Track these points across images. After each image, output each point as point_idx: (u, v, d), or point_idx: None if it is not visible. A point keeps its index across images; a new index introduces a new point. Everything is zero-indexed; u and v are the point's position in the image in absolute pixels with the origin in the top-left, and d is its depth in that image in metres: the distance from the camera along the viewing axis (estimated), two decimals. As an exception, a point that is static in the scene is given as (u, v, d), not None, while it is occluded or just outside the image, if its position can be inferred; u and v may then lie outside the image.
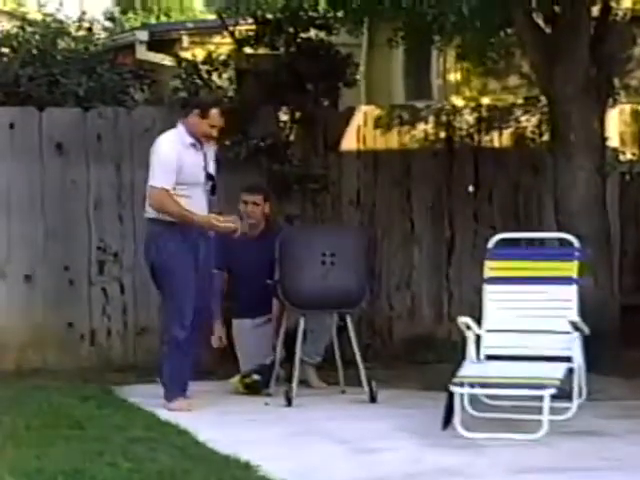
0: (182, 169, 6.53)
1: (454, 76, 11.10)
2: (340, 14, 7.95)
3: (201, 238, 6.61)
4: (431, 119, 8.77)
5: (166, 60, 10.61)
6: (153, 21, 21.01)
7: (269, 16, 8.47)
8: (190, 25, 12.33)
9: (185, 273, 6.54)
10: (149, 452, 5.38)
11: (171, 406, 6.53)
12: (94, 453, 5.34)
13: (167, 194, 6.51)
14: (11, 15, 9.50)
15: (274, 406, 6.75)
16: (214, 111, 6.62)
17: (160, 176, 6.52)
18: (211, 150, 6.73)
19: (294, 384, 6.81)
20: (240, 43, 8.59)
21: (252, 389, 7.07)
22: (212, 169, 6.70)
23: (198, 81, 8.34)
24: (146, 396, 6.84)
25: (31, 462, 5.17)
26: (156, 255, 6.58)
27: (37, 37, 8.79)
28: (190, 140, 6.60)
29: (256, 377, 7.11)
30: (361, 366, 6.90)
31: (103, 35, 10.39)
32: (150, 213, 6.64)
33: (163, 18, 21.77)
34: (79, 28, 9.18)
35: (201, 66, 8.47)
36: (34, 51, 8.60)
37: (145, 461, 5.21)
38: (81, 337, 8.13)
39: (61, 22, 9.12)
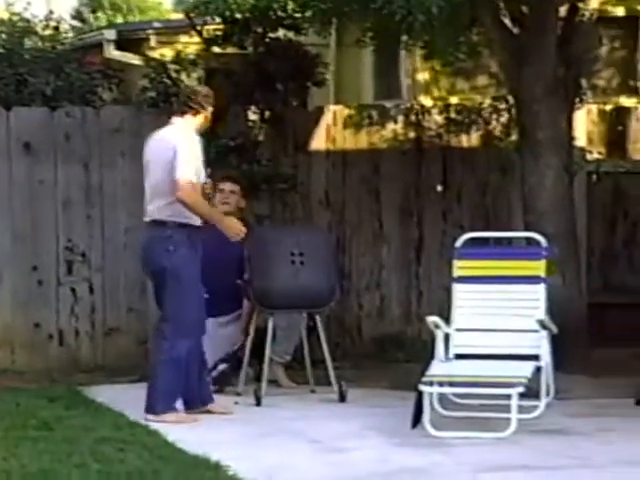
0: (196, 165, 6.27)
1: (423, 76, 11.12)
2: (309, 14, 7.95)
3: (199, 242, 6.34)
4: (400, 119, 8.80)
5: (134, 59, 10.59)
6: (120, 20, 20.96)
7: (237, 16, 8.46)
8: (158, 24, 12.30)
9: (197, 281, 6.29)
10: (118, 453, 5.37)
11: (163, 417, 6.17)
12: (63, 454, 5.32)
13: (194, 186, 6.18)
14: (-23, 14, 9.44)
15: (243, 406, 6.75)
16: (211, 99, 6.53)
17: (188, 169, 6.15)
18: None
19: (263, 383, 6.81)
20: (208, 43, 8.58)
21: (219, 381, 7.05)
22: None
23: (167, 81, 8.32)
24: (114, 397, 6.82)
25: (-1, 463, 5.14)
26: (168, 261, 6.19)
27: (3, 36, 8.74)
28: (197, 137, 6.39)
29: (221, 367, 7.09)
30: (330, 365, 6.91)
31: (70, 34, 10.34)
32: (156, 215, 6.26)
33: (130, 17, 21.72)
34: (46, 27, 9.13)
35: (170, 65, 8.45)
36: (0, 50, 8.55)
37: (114, 462, 5.20)
38: (49, 337, 8.09)
39: (28, 21, 9.06)
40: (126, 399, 6.75)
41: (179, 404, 6.30)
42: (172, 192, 6.17)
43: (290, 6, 8.20)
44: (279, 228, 7.93)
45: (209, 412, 6.37)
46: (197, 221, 6.29)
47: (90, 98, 8.54)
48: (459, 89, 10.93)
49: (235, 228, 6.35)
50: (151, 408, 6.23)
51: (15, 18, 9.08)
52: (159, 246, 6.24)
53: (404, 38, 8.21)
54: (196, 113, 6.40)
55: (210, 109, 6.45)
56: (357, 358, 8.24)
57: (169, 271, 6.22)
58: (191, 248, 6.25)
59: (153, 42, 11.46)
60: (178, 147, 6.21)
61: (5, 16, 9.31)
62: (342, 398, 6.87)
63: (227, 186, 7.53)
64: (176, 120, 6.43)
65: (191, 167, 6.19)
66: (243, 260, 7.06)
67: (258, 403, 6.74)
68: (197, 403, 6.37)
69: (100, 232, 8.13)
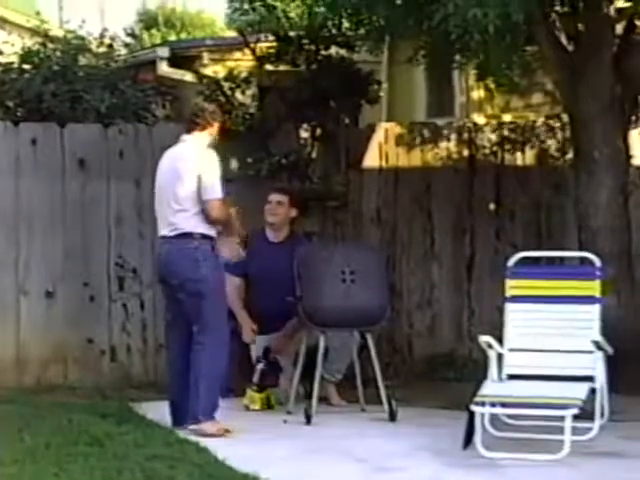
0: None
1: (476, 93, 11.07)
2: (362, 32, 7.94)
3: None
4: (453, 136, 8.76)
5: (187, 77, 10.64)
6: (174, 37, 21.10)
7: (290, 33, 8.48)
8: (210, 42, 12.36)
9: (224, 290, 6.50)
10: (168, 470, 5.36)
11: (203, 427, 6.24)
12: (113, 470, 5.32)
13: (222, 203, 6.42)
14: (33, 32, 9.51)
15: (293, 424, 6.73)
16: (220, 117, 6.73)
17: (217, 188, 6.38)
18: None
19: (314, 401, 6.78)
20: (261, 60, 8.60)
21: (261, 381, 7.10)
22: None
23: (221, 98, 8.34)
24: (165, 413, 6.81)
25: (50, 479, 5.15)
26: (198, 272, 6.31)
27: (58, 53, 8.82)
28: (210, 149, 6.58)
29: (259, 366, 7.13)
30: (381, 384, 6.87)
31: (124, 51, 10.42)
32: (180, 227, 6.38)
33: (183, 35, 21.86)
34: (100, 44, 9.21)
35: (223, 83, 8.48)
36: (55, 67, 8.63)
37: (164, 479, 5.19)
38: (101, 353, 8.13)
39: (83, 38, 9.14)
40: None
41: (218, 415, 6.34)
42: (194, 205, 6.34)
43: (344, 24, 8.19)
44: (330, 246, 7.90)
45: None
46: (214, 232, 6.45)
47: (143, 115, 8.60)
48: (513, 107, 10.86)
49: (232, 251, 6.60)
50: (196, 417, 6.28)
51: (70, 35, 9.16)
52: (188, 257, 6.34)
53: (457, 57, 8.18)
54: (203, 129, 6.53)
55: (217, 125, 6.57)
56: (408, 377, 8.19)
57: (202, 282, 6.31)
58: (216, 258, 6.40)
59: (206, 59, 11.52)
60: (200, 164, 6.37)
61: (60, 33, 9.40)
62: (392, 417, 6.82)
63: (274, 197, 7.55)
64: (186, 137, 6.56)
65: (218, 185, 6.37)
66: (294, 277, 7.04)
67: (308, 421, 6.71)
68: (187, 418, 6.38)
69: (151, 249, 8.15)
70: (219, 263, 6.43)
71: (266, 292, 7.34)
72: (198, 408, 6.28)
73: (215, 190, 6.36)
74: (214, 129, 6.57)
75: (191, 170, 6.37)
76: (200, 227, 6.37)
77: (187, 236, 6.36)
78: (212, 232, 6.42)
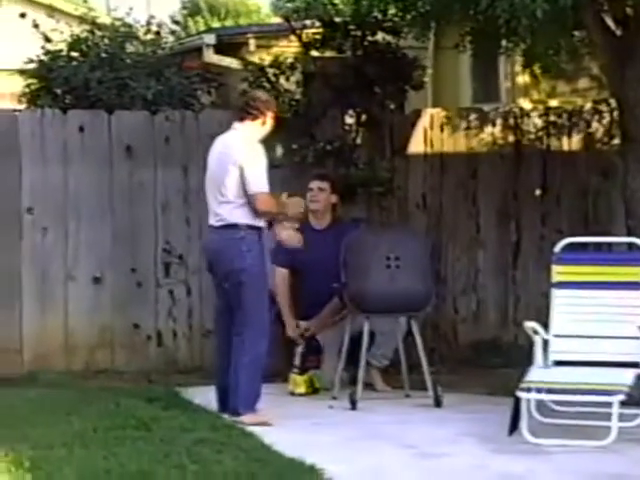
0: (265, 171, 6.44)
1: (522, 79, 11.00)
2: (409, 18, 7.91)
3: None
4: (499, 122, 8.72)
5: (233, 63, 10.66)
6: (219, 24, 21.15)
7: (337, 19, 8.47)
8: (256, 29, 12.37)
9: (267, 280, 6.49)
10: (214, 454, 5.41)
11: (249, 419, 6.22)
12: (160, 454, 5.37)
13: (268, 196, 6.38)
14: (81, 19, 9.58)
15: (338, 409, 6.75)
16: (273, 106, 6.65)
17: (262, 180, 6.33)
18: None
19: (359, 387, 6.80)
20: (307, 46, 8.60)
21: (302, 364, 7.22)
22: None
23: (266, 84, 8.36)
24: (211, 398, 6.86)
25: (99, 463, 5.22)
26: (244, 262, 6.28)
27: (105, 41, 8.88)
28: (257, 139, 6.53)
29: (299, 349, 7.23)
30: (426, 370, 6.87)
31: (170, 39, 10.46)
32: (227, 218, 6.36)
33: (229, 22, 21.91)
34: (147, 32, 9.25)
35: (268, 69, 8.50)
36: (103, 55, 8.69)
37: (211, 463, 5.24)
38: (147, 338, 8.19)
39: (130, 26, 9.20)
40: (223, 401, 6.78)
41: (260, 404, 6.33)
42: (238, 197, 6.30)
43: (391, 10, 8.17)
44: (375, 231, 7.91)
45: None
46: (262, 222, 6.42)
47: (189, 102, 8.64)
48: (559, 92, 10.79)
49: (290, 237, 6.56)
50: (236, 410, 6.27)
51: (117, 23, 9.22)
52: (233, 248, 6.32)
53: (504, 42, 8.13)
54: (254, 118, 6.44)
55: (270, 114, 6.48)
56: (453, 363, 8.18)
57: (246, 271, 6.29)
58: (262, 249, 6.37)
59: (252, 46, 11.53)
60: (245, 157, 6.32)
61: (107, 21, 9.47)
62: (438, 403, 6.83)
63: (315, 184, 7.57)
64: (237, 125, 6.53)
65: (264, 178, 6.32)
66: (339, 263, 7.06)
67: (353, 407, 6.73)
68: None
69: (197, 235, 8.20)
70: (264, 255, 6.39)
71: (311, 279, 7.38)
72: (237, 400, 6.28)
73: (260, 183, 6.30)
74: (267, 119, 6.48)
75: (234, 162, 6.34)
76: (246, 218, 6.33)
77: (233, 227, 6.34)
78: (259, 223, 6.37)
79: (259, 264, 6.35)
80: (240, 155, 6.34)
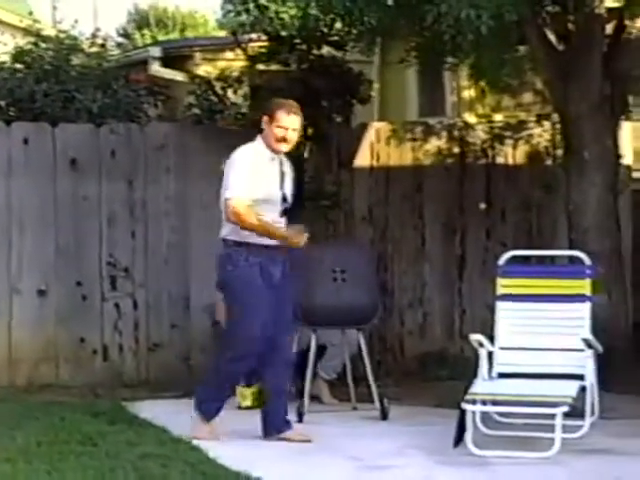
0: (259, 185, 5.95)
1: (467, 93, 11.11)
2: (355, 32, 7.96)
3: (273, 262, 6.03)
4: (444, 135, 8.79)
5: (179, 76, 10.66)
6: (167, 37, 21.10)
7: (282, 33, 8.50)
8: (203, 42, 12.37)
9: (251, 301, 5.96)
10: (161, 468, 5.37)
11: (195, 433, 6.11)
12: (106, 469, 5.33)
13: (245, 204, 5.89)
14: (26, 31, 9.52)
15: (286, 422, 6.74)
16: (280, 111, 6.01)
17: (235, 186, 5.90)
18: (289, 168, 6.18)
19: (306, 400, 6.81)
20: (253, 60, 8.62)
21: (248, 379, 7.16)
22: (288, 189, 6.11)
23: (212, 97, 8.36)
24: (158, 412, 6.84)
25: (42, 478, 5.17)
26: (226, 278, 6.02)
27: (50, 53, 8.83)
28: (269, 154, 6.04)
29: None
30: (373, 383, 6.89)
31: (117, 51, 10.42)
32: (221, 233, 6.04)
33: (176, 35, 21.85)
34: (93, 44, 9.22)
35: (215, 82, 8.50)
36: (47, 67, 8.64)
37: (157, 478, 5.21)
38: (93, 352, 8.14)
39: (75, 38, 9.16)
40: (169, 415, 6.77)
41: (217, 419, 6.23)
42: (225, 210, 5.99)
43: (337, 25, 8.21)
44: (321, 245, 7.92)
45: (287, 440, 6.13)
46: (261, 240, 5.97)
47: (136, 114, 8.61)
48: (504, 106, 10.90)
49: (295, 237, 6.04)
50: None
51: (62, 35, 9.17)
52: (220, 264, 6.06)
53: (449, 57, 8.21)
54: (265, 129, 6.08)
55: (278, 121, 5.99)
56: (399, 376, 8.22)
57: (226, 288, 6.09)
58: (251, 267, 5.96)
59: (198, 59, 11.53)
60: (232, 164, 5.99)
61: (53, 33, 9.41)
62: (384, 416, 6.85)
63: None
64: (257, 137, 6.14)
65: (238, 183, 5.91)
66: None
67: (300, 420, 6.74)
68: (271, 430, 6.19)
69: (143, 248, 8.18)
70: (250, 273, 5.96)
71: None
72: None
73: (233, 189, 5.89)
74: (265, 125, 6.03)
75: (227, 174, 6.00)
76: (232, 234, 5.99)
77: (223, 242, 6.03)
78: (251, 240, 5.96)
79: (239, 283, 5.97)
80: (232, 160, 6.02)
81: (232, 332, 6.12)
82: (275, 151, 6.05)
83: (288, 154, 8.33)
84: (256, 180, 5.95)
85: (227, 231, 6.02)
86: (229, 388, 6.28)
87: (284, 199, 6.08)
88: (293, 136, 6.07)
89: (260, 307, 5.97)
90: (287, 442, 6.16)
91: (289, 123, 6.03)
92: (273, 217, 6.04)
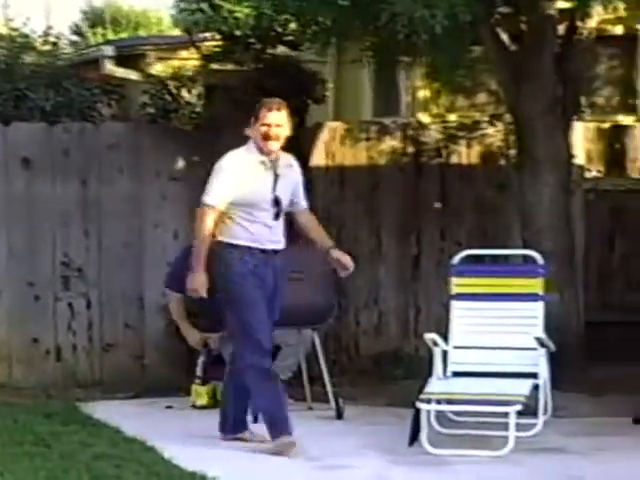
0: (248, 189, 5.85)
1: (422, 93, 11.15)
2: (309, 32, 7.96)
3: (265, 266, 5.92)
4: (398, 135, 8.81)
5: (133, 75, 10.61)
6: (121, 36, 20.97)
7: (237, 33, 8.47)
8: (157, 40, 12.32)
9: (246, 303, 5.86)
10: (114, 469, 5.35)
11: (272, 448, 5.84)
12: (59, 470, 5.30)
13: (209, 213, 5.81)
14: (-24, 30, 9.44)
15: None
16: (262, 109, 5.92)
17: (210, 193, 5.83)
18: (291, 170, 6.06)
19: (261, 400, 6.79)
20: (207, 59, 8.59)
21: (204, 374, 7.17)
22: (283, 192, 5.97)
23: (167, 97, 8.33)
24: (112, 412, 6.81)
25: (-5, 480, 5.13)
26: (218, 280, 5.89)
27: (2, 51, 8.75)
28: (259, 157, 5.91)
29: (200, 360, 7.20)
30: (328, 382, 6.90)
31: (69, 50, 10.35)
32: (215, 235, 5.90)
33: (130, 33, 21.73)
34: (45, 42, 9.14)
35: (169, 82, 8.47)
36: (-1, 65, 8.57)
37: (110, 478, 5.18)
38: (46, 353, 8.08)
39: (27, 36, 9.08)
40: (123, 415, 6.74)
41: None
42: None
43: (291, 25, 8.21)
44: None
45: (243, 440, 6.08)
46: (255, 243, 5.89)
47: (89, 114, 8.56)
48: (458, 106, 10.95)
49: (195, 283, 5.88)
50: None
51: (14, 33, 9.09)
52: (213, 265, 5.91)
53: (404, 57, 8.24)
54: (253, 129, 5.96)
55: (262, 119, 5.90)
56: (354, 375, 8.22)
57: (221, 290, 5.93)
58: (244, 267, 5.85)
59: (152, 58, 11.48)
60: (216, 170, 5.90)
61: (4, 31, 9.33)
62: (339, 415, 6.86)
63: None
64: (249, 140, 6.05)
65: (213, 189, 5.83)
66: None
67: (255, 420, 6.72)
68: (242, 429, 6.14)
69: (97, 247, 8.13)
70: (243, 275, 5.85)
71: (213, 297, 7.39)
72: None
73: (208, 194, 5.84)
74: (254, 124, 5.91)
75: None
76: (226, 236, 5.88)
77: (218, 244, 5.89)
78: (242, 242, 5.86)
79: (231, 285, 5.86)
80: (217, 164, 5.96)
81: (238, 330, 5.93)
82: (266, 152, 5.92)
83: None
84: (241, 185, 5.85)
85: (217, 231, 5.89)
86: (270, 384, 5.97)
87: (276, 202, 5.94)
88: (279, 132, 5.94)
89: (258, 303, 5.89)
90: (243, 442, 6.15)
91: (271, 119, 5.92)
92: (265, 221, 5.91)
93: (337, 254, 6.13)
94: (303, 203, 6.19)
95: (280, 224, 6.03)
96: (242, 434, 6.16)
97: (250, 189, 5.88)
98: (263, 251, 5.93)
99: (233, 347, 6.11)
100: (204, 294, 5.92)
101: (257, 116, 5.96)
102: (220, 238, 5.90)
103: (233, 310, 5.94)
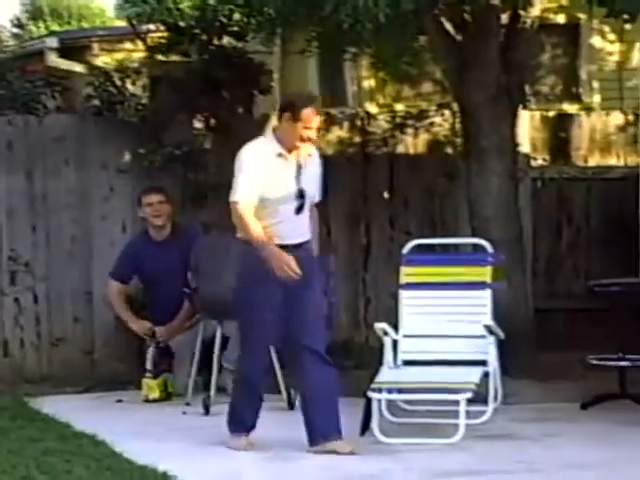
0: (268, 183, 5.62)
1: (368, 83, 11.16)
2: (254, 23, 7.94)
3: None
4: (346, 125, 8.81)
5: (77, 67, 10.52)
6: (64, 28, 20.78)
7: (181, 24, 8.43)
8: (101, 32, 12.23)
9: (262, 300, 5.63)
10: (64, 464, 5.31)
11: (229, 443, 5.78)
12: (8, 466, 5.25)
13: (243, 209, 5.59)
14: None
15: (192, 415, 6.71)
16: (307, 110, 5.61)
17: (240, 190, 5.62)
18: (311, 160, 5.77)
19: (212, 392, 6.78)
20: (152, 50, 8.54)
21: (154, 367, 7.15)
22: (307, 183, 5.72)
23: (111, 89, 8.26)
24: (61, 407, 6.76)
25: (-57, 477, 5.07)
26: (238, 278, 5.74)
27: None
28: (278, 149, 5.66)
29: (150, 353, 7.17)
30: (279, 373, 6.89)
31: (11, 42, 10.25)
32: (238, 233, 5.72)
33: (72, 25, 21.53)
34: (-14, 35, 9.05)
35: (114, 73, 8.40)
36: (-60, 58, 8.46)
37: (61, 473, 5.15)
38: (-7, 348, 8.00)
39: (-32, 29, 8.98)
40: (72, 410, 6.69)
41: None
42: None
43: (236, 16, 8.18)
44: (226, 236, 7.88)
45: (334, 452, 5.65)
46: (280, 240, 5.62)
47: (33, 106, 8.47)
48: (404, 96, 10.98)
49: (280, 261, 5.55)
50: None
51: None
52: (238, 263, 5.76)
53: (350, 47, 8.23)
54: (285, 126, 5.68)
55: (306, 121, 5.61)
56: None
57: (238, 287, 5.77)
58: (264, 265, 5.57)
59: (96, 50, 11.40)
60: (239, 165, 5.69)
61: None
62: (291, 406, 6.86)
63: (154, 198, 7.50)
64: (266, 132, 5.89)
65: (241, 186, 5.63)
66: (188, 269, 7.03)
67: (207, 412, 6.71)
68: (317, 437, 5.71)
69: (44, 242, 8.05)
70: (262, 272, 5.60)
71: (160, 289, 7.39)
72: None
73: (237, 191, 5.62)
74: (285, 120, 5.64)
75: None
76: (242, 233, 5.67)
77: (242, 242, 5.70)
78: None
79: (255, 282, 5.63)
80: (239, 160, 5.74)
81: (242, 330, 5.79)
82: (292, 149, 5.67)
83: (190, 147, 8.24)
84: (264, 179, 5.62)
85: (238, 229, 5.70)
86: (254, 393, 5.84)
87: (300, 194, 5.69)
88: (314, 136, 5.73)
89: (264, 312, 5.64)
90: (194, 434, 6.12)
91: (315, 124, 5.68)
92: (286, 215, 5.66)
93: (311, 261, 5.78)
94: (315, 197, 5.86)
95: (304, 217, 5.73)
96: (332, 443, 5.71)
97: (273, 182, 5.63)
98: (282, 246, 5.61)
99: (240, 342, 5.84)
100: (298, 270, 5.54)
101: (298, 114, 5.61)
102: (240, 235, 5.69)
103: (241, 310, 5.73)
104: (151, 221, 7.51)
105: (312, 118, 5.64)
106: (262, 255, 5.59)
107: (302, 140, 5.64)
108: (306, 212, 5.75)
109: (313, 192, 5.80)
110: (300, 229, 5.74)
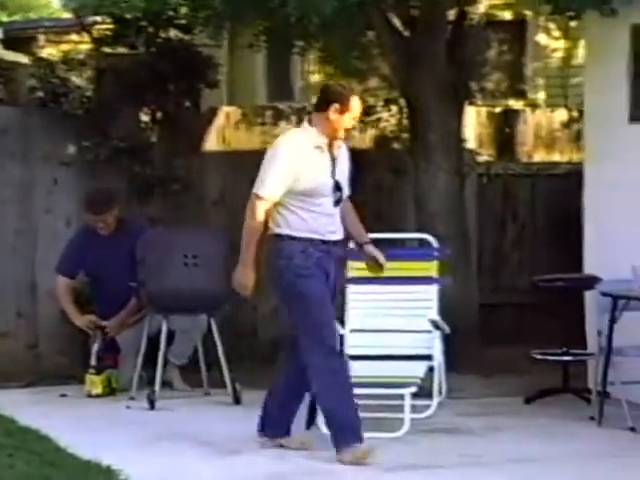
0: (304, 175, 5.40)
1: (315, 77, 11.17)
2: (202, 16, 7.91)
3: (328, 257, 5.48)
4: (293, 120, 8.81)
5: (23, 58, 10.41)
6: (7, 18, 20.56)
7: (128, 16, 8.38)
8: (46, 23, 12.12)
9: (314, 291, 5.42)
10: (6, 459, 5.26)
11: (344, 458, 5.39)
12: (-51, 462, 5.20)
13: (262, 204, 5.42)
14: None
15: (136, 409, 6.68)
16: (355, 100, 5.49)
17: (269, 185, 5.42)
18: (342, 153, 5.62)
19: (157, 387, 6.75)
20: (98, 42, 8.48)
21: (98, 363, 7.11)
22: (341, 176, 5.57)
23: (55, 80, 8.19)
24: (4, 402, 6.68)
25: None
26: (277, 276, 5.48)
27: None
28: (317, 141, 5.46)
29: (94, 349, 7.13)
30: (225, 368, 6.88)
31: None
32: (273, 229, 5.50)
33: (17, 16, 21.31)
34: None
35: (59, 65, 8.33)
36: None
37: (3, 468, 5.10)
38: None
39: None
40: (16, 404, 6.63)
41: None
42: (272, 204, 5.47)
43: (183, 10, 8.14)
44: (172, 230, 7.87)
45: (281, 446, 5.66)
46: (317, 235, 5.46)
47: (-24, 98, 8.39)
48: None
49: (246, 279, 5.52)
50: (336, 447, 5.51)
51: None
52: (272, 260, 5.50)
53: (297, 42, 8.23)
54: (332, 117, 5.48)
55: (354, 112, 5.49)
56: (253, 360, 8.19)
57: (282, 284, 5.49)
58: (307, 259, 5.42)
59: (42, 41, 11.30)
60: (272, 156, 5.49)
61: None
62: (237, 401, 6.85)
63: (99, 219, 7.32)
64: (304, 122, 5.66)
65: (267, 180, 5.43)
66: (135, 262, 7.00)
67: (152, 406, 6.68)
68: (281, 433, 5.70)
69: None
70: (306, 266, 5.42)
71: (106, 283, 7.35)
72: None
73: (261, 185, 5.43)
74: (330, 113, 5.43)
75: None
76: (285, 229, 5.47)
77: (277, 237, 5.49)
78: (303, 234, 5.43)
79: (301, 275, 5.41)
80: (272, 150, 5.53)
81: (303, 327, 5.46)
82: (334, 139, 5.51)
83: (136, 140, 8.19)
84: (300, 172, 5.42)
85: (277, 225, 5.50)
86: (346, 382, 5.51)
87: (337, 187, 5.53)
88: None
89: (325, 299, 5.46)
90: (138, 428, 6.10)
91: (359, 111, 5.58)
92: (325, 209, 5.49)
93: (371, 250, 5.70)
94: (346, 190, 5.68)
95: (338, 212, 5.59)
96: (279, 439, 5.69)
97: (309, 175, 5.43)
98: (324, 242, 5.47)
99: (300, 346, 5.49)
100: (250, 291, 5.50)
101: (347, 105, 5.47)
102: (277, 230, 5.47)
103: (297, 306, 5.44)
104: (98, 228, 7.44)
105: (357, 107, 5.52)
106: (240, 257, 5.49)
107: (346, 130, 5.53)
108: (339, 208, 5.59)
109: (347, 185, 5.68)
110: (336, 225, 5.57)
